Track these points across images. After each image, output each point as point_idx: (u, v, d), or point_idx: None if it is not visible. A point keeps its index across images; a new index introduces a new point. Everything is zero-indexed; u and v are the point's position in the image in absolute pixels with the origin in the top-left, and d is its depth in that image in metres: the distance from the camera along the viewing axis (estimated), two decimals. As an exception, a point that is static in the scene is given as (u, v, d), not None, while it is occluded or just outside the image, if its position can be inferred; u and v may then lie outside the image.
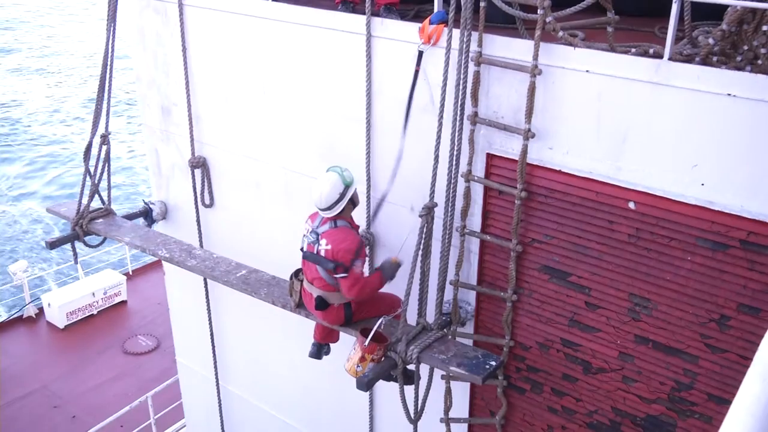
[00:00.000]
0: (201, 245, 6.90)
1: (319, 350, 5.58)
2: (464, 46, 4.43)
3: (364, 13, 4.94)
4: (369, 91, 5.12)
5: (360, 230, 5.26)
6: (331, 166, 4.90)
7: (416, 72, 4.69)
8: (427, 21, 4.64)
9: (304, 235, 4.99)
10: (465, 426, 5.71)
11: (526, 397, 5.24)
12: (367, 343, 4.66)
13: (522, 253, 4.79)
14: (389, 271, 4.91)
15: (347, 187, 4.79)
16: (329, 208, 4.78)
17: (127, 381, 12.08)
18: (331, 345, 5.63)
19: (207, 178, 6.68)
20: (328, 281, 4.86)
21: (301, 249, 5.01)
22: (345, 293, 4.84)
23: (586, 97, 4.19)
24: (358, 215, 5.29)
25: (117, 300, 14.28)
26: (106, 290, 14.09)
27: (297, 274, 5.22)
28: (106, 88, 6.44)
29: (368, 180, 5.40)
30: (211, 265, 5.94)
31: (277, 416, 7.41)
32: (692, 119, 3.88)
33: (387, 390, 5.46)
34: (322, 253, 4.80)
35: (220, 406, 7.90)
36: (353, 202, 4.93)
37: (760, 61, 3.84)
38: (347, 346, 4.98)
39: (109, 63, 6.40)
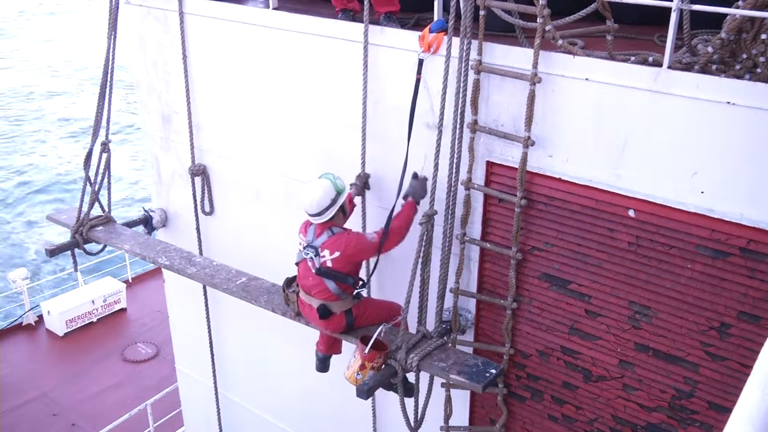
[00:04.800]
0: (201, 253, 6.90)
1: (324, 363, 5.55)
2: (464, 54, 4.44)
3: (364, 22, 4.95)
4: (369, 100, 5.12)
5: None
6: (323, 173, 4.87)
7: (417, 80, 4.70)
8: (427, 29, 4.65)
9: (299, 251, 4.92)
10: (465, 434, 5.69)
11: (527, 405, 5.23)
12: (367, 351, 4.65)
13: (522, 261, 4.79)
14: (420, 191, 4.80)
15: (339, 194, 4.75)
16: (319, 214, 4.72)
17: (127, 389, 12.05)
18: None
19: (207, 186, 6.69)
20: (334, 292, 4.83)
21: (296, 263, 4.97)
22: (387, 250, 4.75)
23: (586, 105, 4.20)
24: (355, 222, 5.28)
25: (116, 307, 14.26)
26: (106, 298, 14.07)
27: (289, 284, 5.18)
28: (107, 95, 6.45)
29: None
30: (211, 273, 5.93)
31: (277, 424, 7.39)
32: (692, 127, 3.89)
33: (387, 398, 5.44)
34: (329, 264, 4.74)
35: (219, 414, 7.88)
36: (344, 211, 4.90)
37: (759, 70, 3.85)
38: (347, 354, 4.97)
39: (109, 71, 6.41)
